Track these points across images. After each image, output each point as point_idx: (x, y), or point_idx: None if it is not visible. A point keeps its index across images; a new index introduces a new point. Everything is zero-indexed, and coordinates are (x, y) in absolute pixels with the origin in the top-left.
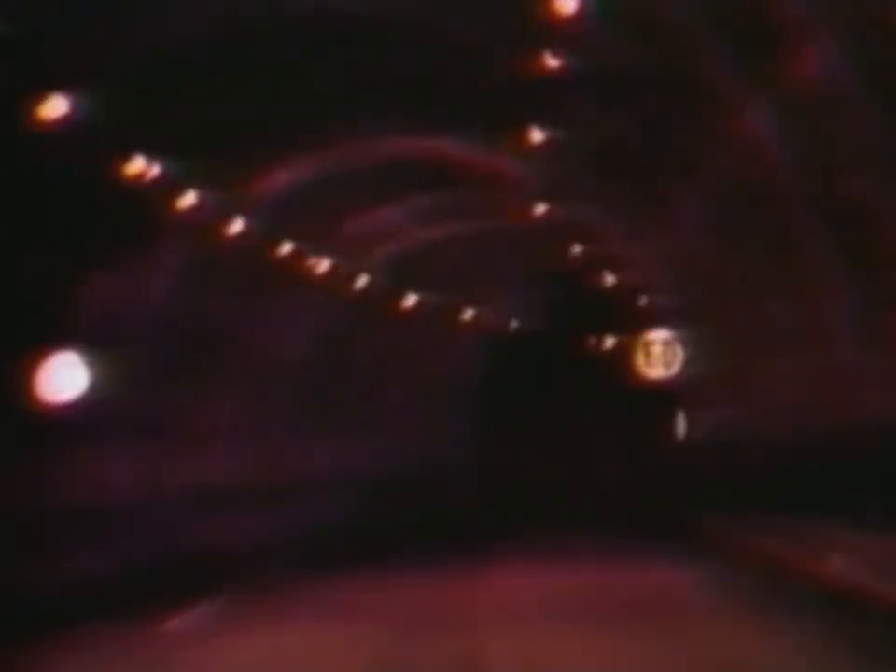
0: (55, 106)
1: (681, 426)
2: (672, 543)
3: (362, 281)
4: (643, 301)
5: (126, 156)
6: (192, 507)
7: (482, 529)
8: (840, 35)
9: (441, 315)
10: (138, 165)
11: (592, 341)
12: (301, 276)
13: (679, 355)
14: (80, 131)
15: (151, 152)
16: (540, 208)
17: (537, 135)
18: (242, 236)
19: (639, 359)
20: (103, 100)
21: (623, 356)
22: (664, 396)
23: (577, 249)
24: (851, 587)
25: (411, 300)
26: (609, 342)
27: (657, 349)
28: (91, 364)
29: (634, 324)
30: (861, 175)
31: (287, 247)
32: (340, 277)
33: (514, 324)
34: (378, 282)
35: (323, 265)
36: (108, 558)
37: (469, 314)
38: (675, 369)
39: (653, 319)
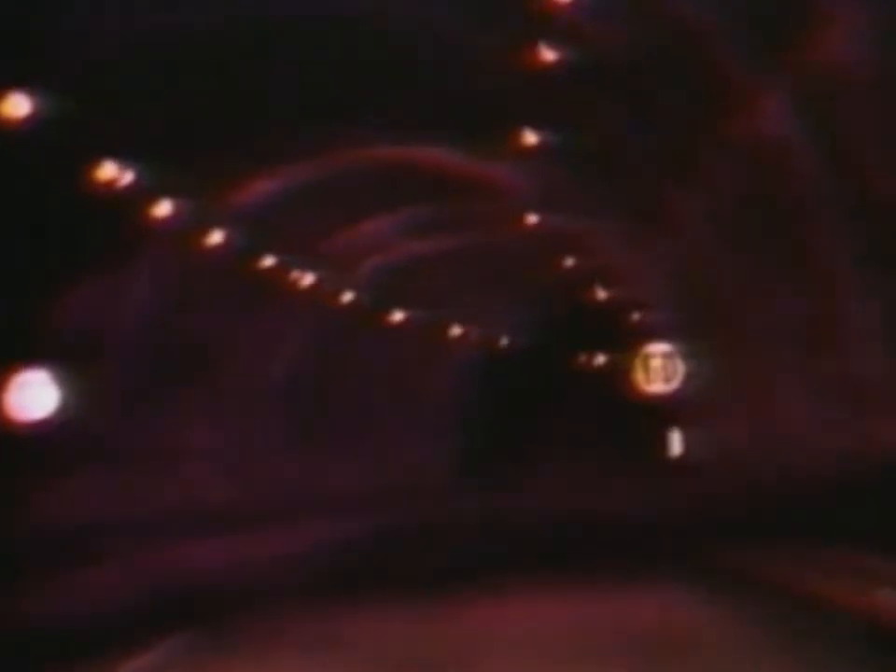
0: (19, 106)
1: (682, 443)
2: (673, 567)
3: (347, 297)
4: (642, 313)
5: (97, 161)
6: (167, 531)
7: (474, 556)
8: (844, 32)
9: (430, 331)
10: (110, 171)
11: (588, 356)
12: (284, 291)
13: (680, 369)
14: (47, 134)
15: (124, 158)
16: (533, 218)
17: (529, 139)
18: (220, 248)
19: (638, 374)
20: (72, 101)
21: (621, 370)
22: (663, 412)
23: (571, 262)
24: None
25: (398, 316)
26: (606, 357)
27: (657, 363)
28: (63, 382)
29: (631, 338)
30: (871, 180)
31: (268, 261)
32: (324, 292)
33: (506, 340)
34: (363, 297)
35: (307, 279)
36: (76, 585)
37: (457, 330)
38: (675, 384)
39: (652, 332)
